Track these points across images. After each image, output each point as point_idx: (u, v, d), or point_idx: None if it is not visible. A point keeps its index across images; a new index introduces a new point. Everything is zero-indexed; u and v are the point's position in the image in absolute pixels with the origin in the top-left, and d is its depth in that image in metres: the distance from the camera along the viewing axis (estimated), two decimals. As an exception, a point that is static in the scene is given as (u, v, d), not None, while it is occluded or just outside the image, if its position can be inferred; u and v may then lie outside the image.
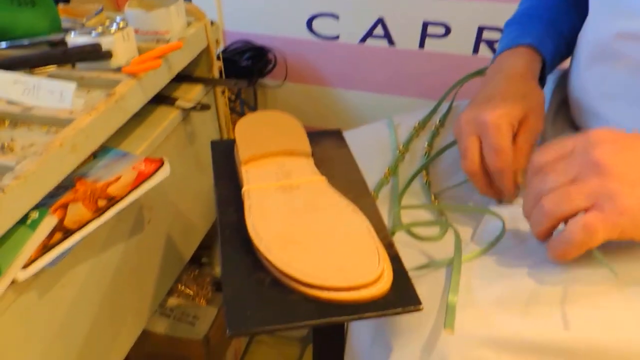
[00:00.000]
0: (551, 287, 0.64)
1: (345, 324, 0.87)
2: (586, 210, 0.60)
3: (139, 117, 1.12)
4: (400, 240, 0.83)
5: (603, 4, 0.81)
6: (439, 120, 1.03)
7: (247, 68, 1.99)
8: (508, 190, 0.80)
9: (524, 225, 0.75)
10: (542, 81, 0.93)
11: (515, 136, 0.80)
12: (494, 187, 0.82)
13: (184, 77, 1.28)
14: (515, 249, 0.73)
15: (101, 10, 1.28)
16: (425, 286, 0.69)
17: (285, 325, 0.59)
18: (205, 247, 1.55)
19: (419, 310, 0.61)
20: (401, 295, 0.61)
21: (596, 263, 0.64)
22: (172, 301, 1.52)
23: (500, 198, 0.83)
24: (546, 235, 0.66)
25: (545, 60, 0.91)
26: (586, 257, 0.65)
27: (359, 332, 0.84)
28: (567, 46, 0.95)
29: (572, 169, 0.62)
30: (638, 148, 0.61)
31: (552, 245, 0.65)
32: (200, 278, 1.60)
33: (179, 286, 1.55)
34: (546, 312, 0.62)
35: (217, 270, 1.61)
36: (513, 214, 0.79)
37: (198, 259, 1.63)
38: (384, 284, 0.61)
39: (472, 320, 0.63)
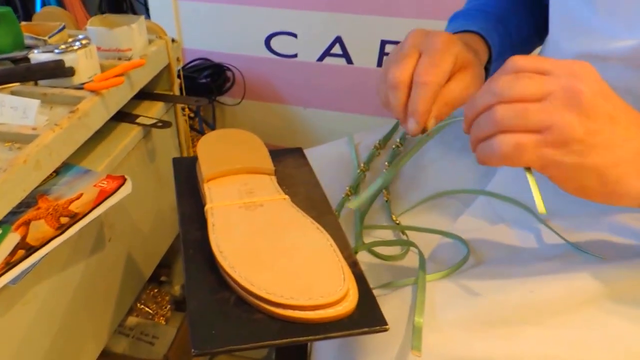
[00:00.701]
0: (518, 307, 0.65)
1: (309, 343, 0.87)
2: (533, 131, 0.57)
3: (100, 134, 1.12)
4: (363, 259, 0.83)
5: (562, 23, 0.82)
6: (399, 139, 1.04)
7: (205, 85, 2.00)
8: (419, 115, 0.72)
9: (484, 247, 0.76)
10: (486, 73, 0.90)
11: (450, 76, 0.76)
12: (406, 110, 0.75)
13: (144, 94, 1.28)
14: (476, 269, 0.74)
15: (63, 28, 1.27)
16: (389, 306, 0.69)
17: (251, 344, 0.59)
18: (164, 265, 1.55)
19: (385, 330, 0.60)
20: (367, 315, 0.61)
21: (559, 282, 0.65)
22: (132, 320, 1.51)
23: (405, 123, 0.76)
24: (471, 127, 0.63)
25: (490, 49, 0.88)
26: (550, 275, 0.66)
27: (323, 353, 0.83)
28: (512, 47, 0.93)
29: (549, 86, 0.56)
30: (617, 99, 0.57)
31: (479, 147, 0.61)
32: (160, 297, 1.59)
33: (138, 305, 1.54)
34: (513, 332, 0.63)
35: (177, 289, 1.60)
36: (472, 235, 0.80)
37: (157, 278, 1.62)
38: (350, 303, 0.61)
39: (439, 342, 0.64)
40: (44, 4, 2.11)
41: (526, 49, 0.98)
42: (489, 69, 0.89)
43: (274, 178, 0.83)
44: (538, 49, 0.97)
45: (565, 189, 0.59)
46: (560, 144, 0.55)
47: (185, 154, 1.47)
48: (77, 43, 1.07)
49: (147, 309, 1.54)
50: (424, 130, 0.74)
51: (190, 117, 1.99)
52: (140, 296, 1.56)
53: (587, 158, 0.55)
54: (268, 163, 0.85)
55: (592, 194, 0.58)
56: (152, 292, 1.59)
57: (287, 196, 0.78)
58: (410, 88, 0.73)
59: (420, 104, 0.72)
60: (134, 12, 2.36)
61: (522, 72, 0.58)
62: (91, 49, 1.09)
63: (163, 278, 1.63)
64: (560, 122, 0.55)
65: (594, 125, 0.55)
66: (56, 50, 1.06)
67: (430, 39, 0.74)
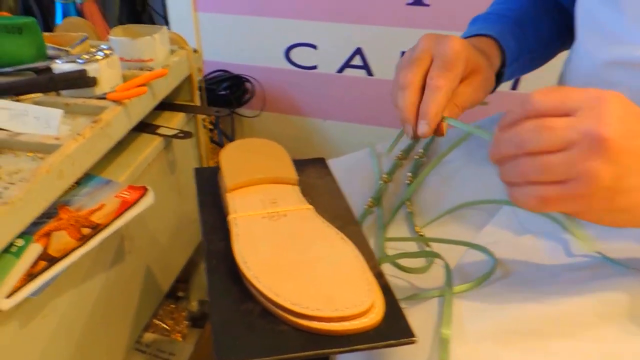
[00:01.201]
0: (547, 319, 0.64)
1: (334, 356, 0.86)
2: (558, 182, 0.55)
3: (121, 145, 1.12)
4: (385, 272, 0.82)
5: (591, 31, 0.81)
6: (422, 150, 1.03)
7: (224, 97, 2.00)
8: (430, 117, 0.73)
9: (510, 258, 0.76)
10: (499, 77, 0.89)
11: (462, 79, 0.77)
12: (414, 111, 0.75)
13: (165, 105, 1.29)
14: (503, 281, 0.73)
15: (85, 39, 1.28)
16: (414, 318, 0.67)
17: (275, 356, 0.58)
18: (181, 280, 1.54)
19: (412, 342, 0.59)
20: (393, 327, 0.61)
21: (590, 294, 0.64)
22: (148, 336, 1.50)
23: (414, 127, 0.76)
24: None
25: (504, 52, 0.87)
26: (580, 287, 0.65)
27: (347, 366, 0.82)
28: (530, 51, 0.92)
29: (571, 135, 0.54)
30: None
31: (506, 188, 0.61)
32: (176, 312, 1.58)
33: (155, 320, 1.54)
34: (543, 345, 0.62)
35: (194, 304, 1.60)
36: (498, 247, 0.79)
37: (174, 293, 1.61)
38: (376, 315, 0.60)
39: (466, 354, 0.63)
40: (64, 16, 2.12)
41: (546, 54, 0.97)
42: (504, 72, 0.89)
43: (297, 188, 0.83)
44: (564, 54, 0.96)
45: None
46: (588, 194, 0.54)
47: (205, 165, 1.46)
48: (100, 53, 1.07)
49: (163, 324, 1.54)
50: (434, 133, 0.74)
51: (209, 129, 2.00)
52: (157, 311, 1.55)
53: (617, 202, 0.54)
54: (291, 173, 0.84)
55: (625, 226, 0.58)
56: (168, 308, 1.59)
57: (311, 206, 0.78)
58: (420, 91, 0.75)
59: (432, 107, 0.73)
60: (153, 24, 2.37)
61: (543, 120, 0.56)
62: (114, 59, 1.10)
63: (180, 293, 1.62)
64: (586, 173, 0.53)
65: (621, 170, 0.53)
66: (79, 60, 1.06)
67: (442, 43, 0.75)
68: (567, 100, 0.55)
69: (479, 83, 0.78)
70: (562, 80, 0.91)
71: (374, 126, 1.99)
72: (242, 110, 2.11)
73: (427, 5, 1.74)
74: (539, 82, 0.95)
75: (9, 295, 0.81)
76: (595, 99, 0.54)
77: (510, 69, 0.89)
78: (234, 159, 0.87)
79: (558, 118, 0.55)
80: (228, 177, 0.82)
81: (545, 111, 0.56)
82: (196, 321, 1.58)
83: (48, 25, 2.20)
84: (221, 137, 2.04)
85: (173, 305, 1.58)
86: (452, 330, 0.66)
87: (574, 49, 0.87)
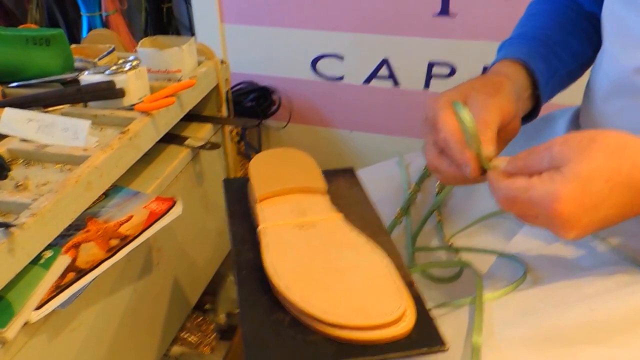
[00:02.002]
0: (578, 326, 0.63)
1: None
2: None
3: (148, 156, 1.13)
4: (416, 281, 0.82)
5: (619, 37, 0.80)
6: (451, 159, 1.03)
7: (251, 109, 2.01)
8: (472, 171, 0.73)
9: (540, 266, 0.75)
10: (536, 98, 0.89)
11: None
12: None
13: (193, 116, 1.29)
14: (534, 288, 0.73)
15: (113, 50, 1.29)
16: (445, 326, 0.67)
17: None
18: (208, 292, 1.54)
19: (444, 350, 0.60)
20: (425, 335, 0.61)
21: (621, 300, 0.64)
22: (176, 349, 1.50)
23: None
24: None
25: (534, 73, 0.86)
26: (610, 293, 0.65)
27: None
28: (564, 68, 0.91)
29: (534, 210, 0.63)
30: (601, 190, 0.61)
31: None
32: (204, 325, 1.58)
33: (182, 334, 1.53)
34: (574, 351, 0.62)
35: (221, 317, 1.59)
36: (528, 255, 0.78)
37: (201, 305, 1.61)
38: (407, 323, 0.60)
39: None
40: (90, 28, 2.15)
41: (582, 65, 0.96)
42: (540, 93, 0.87)
43: (327, 197, 0.83)
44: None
45: None
46: (566, 235, 0.62)
47: (232, 177, 1.47)
48: (128, 64, 1.08)
49: (191, 337, 1.53)
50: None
51: (236, 142, 2.00)
52: (184, 324, 1.55)
53: (592, 229, 0.62)
54: (320, 182, 0.84)
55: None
56: (196, 321, 1.58)
57: (341, 214, 0.78)
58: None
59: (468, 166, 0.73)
60: (179, 36, 2.39)
61: (515, 198, 0.65)
62: (141, 70, 1.11)
63: (207, 306, 1.62)
64: (553, 230, 0.63)
65: (580, 223, 0.61)
66: (107, 72, 1.07)
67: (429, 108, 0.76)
68: (531, 166, 0.65)
69: (475, 95, 0.77)
70: (589, 87, 0.90)
71: (401, 137, 1.98)
72: (269, 122, 2.11)
73: (454, 15, 1.73)
74: (568, 92, 0.94)
75: (38, 307, 0.81)
76: (554, 169, 0.62)
77: (547, 87, 0.88)
78: (263, 169, 0.87)
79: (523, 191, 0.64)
80: (257, 187, 0.82)
81: (515, 194, 0.65)
82: (224, 334, 1.58)
83: (74, 37, 2.23)
84: (248, 149, 2.04)
85: (201, 318, 1.58)
86: (483, 338, 0.66)
87: (600, 55, 0.87)
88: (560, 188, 0.60)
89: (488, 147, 0.70)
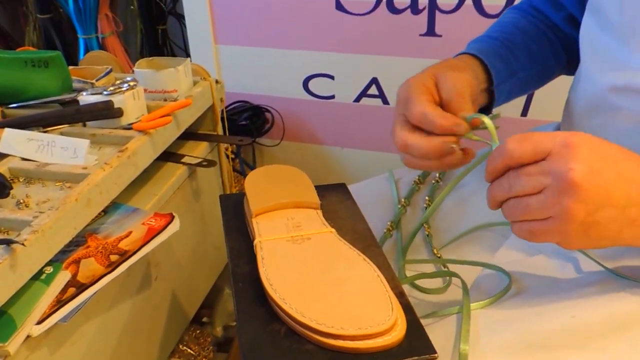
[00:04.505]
0: (560, 332, 0.66)
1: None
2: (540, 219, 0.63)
3: (146, 174, 1.14)
4: (406, 292, 0.84)
5: (594, 58, 0.83)
6: (438, 174, 1.06)
7: (245, 127, 2.03)
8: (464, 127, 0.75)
9: (524, 277, 0.78)
10: (491, 94, 0.91)
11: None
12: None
13: (189, 134, 1.31)
14: (518, 297, 0.75)
15: (110, 72, 1.31)
16: (434, 334, 0.68)
17: None
18: (206, 306, 1.55)
19: (434, 358, 0.61)
20: (415, 344, 0.62)
21: (600, 307, 0.67)
22: (174, 362, 1.51)
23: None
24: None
25: (489, 69, 0.88)
26: (590, 300, 0.68)
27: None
28: (523, 71, 0.94)
29: (544, 180, 0.61)
30: (612, 168, 0.61)
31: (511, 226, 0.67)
32: (202, 338, 1.58)
33: (180, 346, 1.54)
34: (556, 356, 0.64)
35: (218, 330, 1.60)
36: (513, 267, 0.81)
37: (199, 318, 1.62)
38: (398, 333, 0.62)
39: None
40: (86, 49, 2.17)
41: (542, 73, 0.98)
42: (494, 89, 0.90)
43: (319, 212, 0.84)
44: (570, 79, 0.97)
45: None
46: (565, 229, 0.62)
47: (228, 193, 1.48)
48: (125, 85, 1.10)
49: (189, 350, 1.54)
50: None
51: (231, 159, 2.02)
52: (182, 337, 1.56)
53: (592, 234, 0.62)
54: (314, 197, 0.86)
55: (606, 247, 0.65)
56: (194, 334, 1.59)
57: (333, 229, 0.79)
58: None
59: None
60: (174, 57, 2.40)
61: (522, 168, 0.64)
62: (139, 91, 1.13)
63: (205, 319, 1.62)
64: (560, 212, 0.61)
65: (591, 206, 0.60)
66: (105, 92, 1.09)
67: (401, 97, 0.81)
68: (539, 146, 0.62)
69: (442, 76, 0.81)
70: (568, 105, 0.92)
71: (390, 153, 2.00)
72: (263, 140, 2.14)
73: (440, 36, 1.77)
74: (547, 109, 0.97)
75: (39, 322, 0.82)
76: (563, 145, 0.61)
77: (504, 87, 0.91)
78: (259, 185, 0.88)
79: (533, 165, 0.63)
80: (253, 202, 0.84)
81: (520, 158, 0.63)
82: (221, 346, 1.58)
83: (71, 58, 2.24)
84: (243, 165, 2.06)
85: (198, 331, 1.59)
86: (470, 345, 0.68)
87: (578, 74, 0.89)
88: (575, 152, 0.60)
89: (465, 114, 0.75)
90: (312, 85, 1.99)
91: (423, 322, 0.66)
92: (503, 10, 1.65)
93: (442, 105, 0.79)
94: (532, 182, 0.62)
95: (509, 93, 0.94)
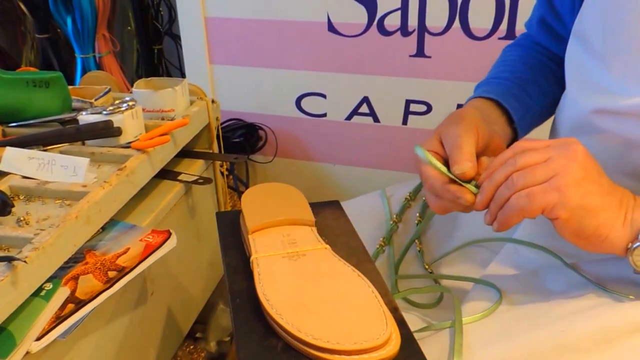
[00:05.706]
0: (550, 345, 0.67)
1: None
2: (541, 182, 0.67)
3: (144, 191, 1.15)
4: (399, 307, 0.85)
5: (578, 81, 0.85)
6: (429, 192, 1.07)
7: (239, 144, 2.05)
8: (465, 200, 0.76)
9: (514, 291, 0.80)
10: (514, 131, 0.95)
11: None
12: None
13: (185, 152, 1.33)
14: (509, 312, 0.77)
15: (108, 91, 1.33)
16: (428, 349, 0.70)
17: None
18: (200, 321, 1.56)
19: None
20: (409, 358, 0.63)
21: (589, 321, 0.68)
22: (168, 377, 1.51)
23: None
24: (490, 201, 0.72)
25: (507, 110, 0.92)
26: (580, 315, 0.69)
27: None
28: (538, 105, 0.97)
29: (549, 152, 0.69)
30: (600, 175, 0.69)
31: (499, 214, 0.71)
32: (195, 353, 1.59)
33: (175, 361, 1.55)
34: None
35: (212, 345, 1.61)
36: (503, 281, 0.82)
37: (193, 334, 1.63)
38: (393, 347, 0.63)
39: None
40: (84, 69, 2.18)
41: (553, 103, 1.00)
42: (516, 127, 0.93)
43: (314, 229, 0.85)
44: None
45: (564, 233, 0.69)
46: (565, 186, 0.66)
47: (223, 210, 1.50)
48: (124, 105, 1.12)
49: (183, 365, 1.55)
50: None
51: (225, 175, 2.03)
52: (176, 353, 1.56)
53: (586, 200, 0.66)
54: (309, 214, 0.87)
55: (585, 237, 0.68)
56: (187, 349, 1.60)
57: (328, 246, 0.80)
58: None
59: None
60: (170, 76, 2.42)
61: (528, 148, 0.71)
62: (137, 110, 1.15)
63: (198, 334, 1.63)
64: (563, 169, 0.66)
65: (590, 174, 0.67)
66: (104, 112, 1.11)
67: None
68: (542, 141, 0.71)
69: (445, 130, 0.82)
70: (554, 126, 0.95)
71: (381, 169, 2.03)
72: (256, 157, 2.15)
73: (429, 57, 1.80)
74: (535, 129, 1.00)
75: (39, 338, 0.83)
76: (563, 139, 0.70)
77: (523, 122, 0.94)
78: (255, 203, 0.90)
79: (539, 143, 0.71)
80: (249, 219, 0.85)
81: (527, 146, 0.72)
82: (214, 363, 1.60)
83: (68, 78, 2.25)
84: (236, 182, 2.08)
85: (192, 346, 1.60)
86: (463, 358, 0.69)
87: (564, 97, 0.91)
88: (576, 141, 0.69)
89: (459, 166, 0.75)
90: (304, 103, 2.01)
91: (416, 336, 0.67)
92: (490, 33, 1.69)
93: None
94: (538, 155, 0.69)
95: (530, 125, 0.98)
